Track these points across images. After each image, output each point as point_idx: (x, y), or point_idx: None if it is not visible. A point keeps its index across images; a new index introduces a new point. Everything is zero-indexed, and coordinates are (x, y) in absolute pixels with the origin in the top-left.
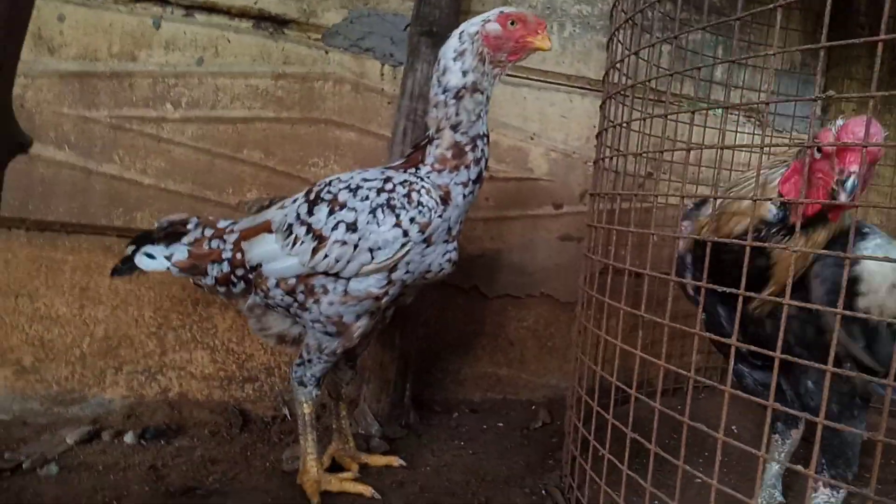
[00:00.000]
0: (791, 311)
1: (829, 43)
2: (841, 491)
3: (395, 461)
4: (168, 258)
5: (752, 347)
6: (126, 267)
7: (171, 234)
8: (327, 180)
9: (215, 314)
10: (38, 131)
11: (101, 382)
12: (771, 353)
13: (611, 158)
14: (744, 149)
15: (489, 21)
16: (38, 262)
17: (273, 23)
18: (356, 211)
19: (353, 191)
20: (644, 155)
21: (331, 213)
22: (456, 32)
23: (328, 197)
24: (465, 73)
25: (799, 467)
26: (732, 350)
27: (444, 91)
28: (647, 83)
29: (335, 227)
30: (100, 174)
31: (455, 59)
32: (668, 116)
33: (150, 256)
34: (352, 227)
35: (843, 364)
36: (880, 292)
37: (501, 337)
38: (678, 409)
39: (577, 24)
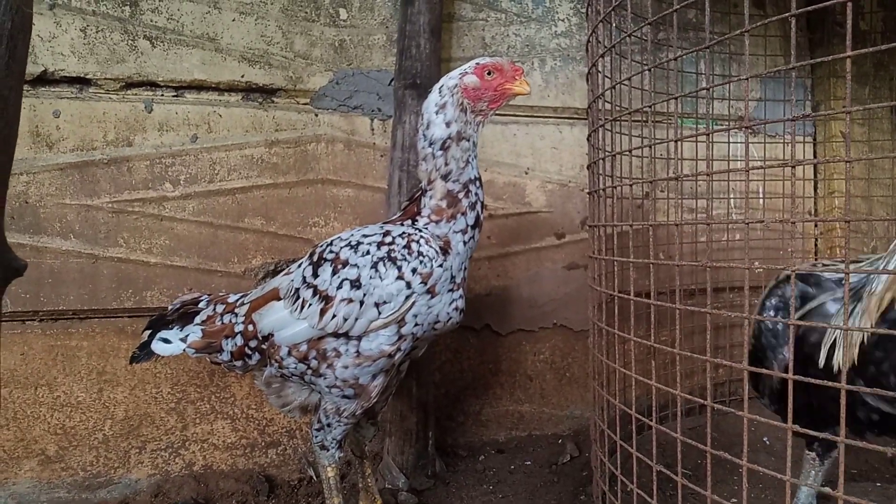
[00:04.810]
0: None
1: (798, 63)
2: None
3: None
4: (183, 340)
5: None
6: (143, 353)
7: (185, 315)
8: (329, 241)
9: (232, 383)
10: (43, 224)
11: (126, 463)
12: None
13: (604, 189)
14: (733, 172)
15: (467, 73)
16: (54, 351)
17: (262, 93)
18: (358, 267)
19: (354, 247)
20: (638, 181)
21: (334, 272)
22: (436, 87)
23: (331, 256)
24: (448, 125)
25: (827, 489)
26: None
27: (431, 144)
28: (631, 113)
29: (340, 286)
30: (106, 259)
31: (437, 113)
32: (657, 139)
33: (166, 341)
34: (356, 284)
35: None
36: None
37: (519, 373)
38: (704, 429)
39: (557, 58)
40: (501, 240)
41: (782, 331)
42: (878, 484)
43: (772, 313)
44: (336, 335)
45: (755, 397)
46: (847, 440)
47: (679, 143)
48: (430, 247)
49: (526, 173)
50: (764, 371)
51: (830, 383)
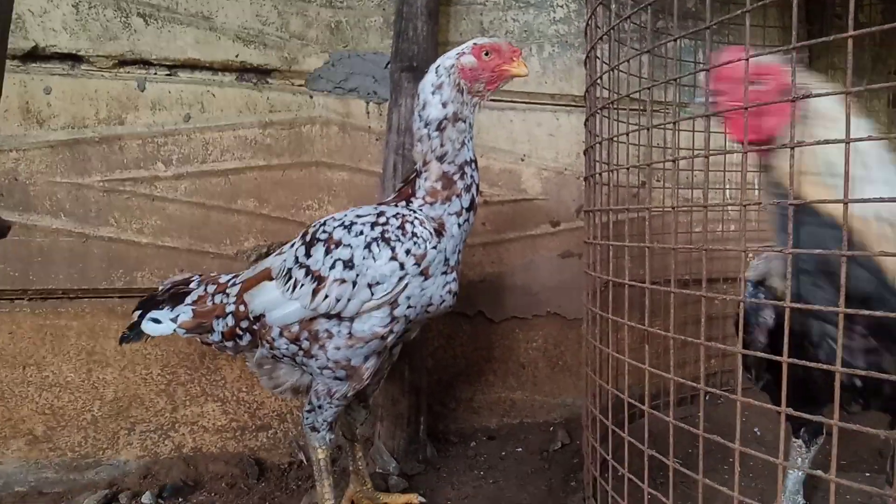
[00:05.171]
0: None
1: (799, 44)
2: None
3: (415, 498)
4: (174, 320)
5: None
6: (133, 333)
7: (175, 295)
8: (322, 220)
9: (223, 365)
10: (33, 202)
11: (114, 445)
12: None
13: (600, 174)
14: (729, 154)
15: (464, 54)
16: (43, 330)
17: (256, 73)
18: (352, 247)
19: (348, 227)
20: (634, 167)
21: (327, 252)
22: (432, 67)
23: (324, 236)
24: (444, 105)
25: (819, 472)
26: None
27: (427, 124)
28: (629, 96)
29: (333, 266)
30: (97, 238)
31: (433, 93)
32: (655, 125)
33: (156, 321)
34: (349, 265)
35: None
36: None
37: (512, 360)
38: (697, 418)
39: (555, 44)
40: (496, 226)
41: (761, 296)
42: (867, 474)
43: (753, 281)
44: (328, 316)
45: (748, 387)
46: (840, 423)
47: (676, 130)
48: (425, 228)
49: (522, 160)
50: (759, 354)
51: (825, 366)
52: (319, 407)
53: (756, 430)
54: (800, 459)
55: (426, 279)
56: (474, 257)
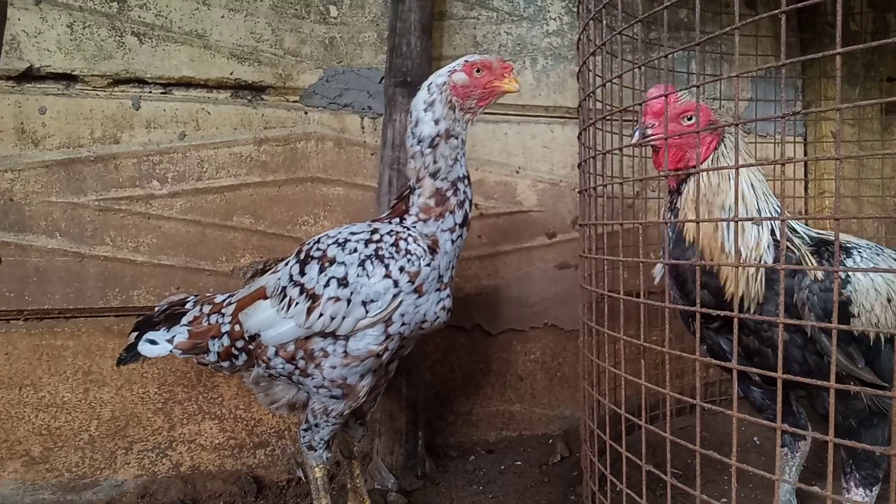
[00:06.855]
0: (788, 338)
1: (788, 60)
2: (874, 488)
3: None
4: (170, 341)
5: (757, 371)
6: (130, 355)
7: (171, 316)
8: (316, 238)
9: (220, 383)
10: (28, 222)
11: (112, 464)
12: (772, 374)
13: (595, 188)
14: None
15: (455, 71)
16: (39, 350)
17: (251, 90)
18: (346, 265)
19: (342, 245)
20: (628, 180)
21: (321, 270)
22: (424, 85)
23: (318, 254)
24: (437, 122)
25: (816, 489)
26: (735, 374)
27: (419, 141)
28: (622, 111)
29: (327, 284)
30: (93, 257)
31: (426, 111)
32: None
33: (153, 342)
34: (343, 282)
35: (846, 383)
36: (874, 310)
37: (510, 373)
38: (694, 429)
39: (548, 57)
40: (492, 239)
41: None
42: None
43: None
44: (323, 335)
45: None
46: (837, 440)
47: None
48: (418, 245)
49: (517, 172)
50: (760, 372)
51: (817, 385)
52: (316, 425)
53: (755, 439)
54: (787, 468)
55: (420, 296)
56: (470, 270)
